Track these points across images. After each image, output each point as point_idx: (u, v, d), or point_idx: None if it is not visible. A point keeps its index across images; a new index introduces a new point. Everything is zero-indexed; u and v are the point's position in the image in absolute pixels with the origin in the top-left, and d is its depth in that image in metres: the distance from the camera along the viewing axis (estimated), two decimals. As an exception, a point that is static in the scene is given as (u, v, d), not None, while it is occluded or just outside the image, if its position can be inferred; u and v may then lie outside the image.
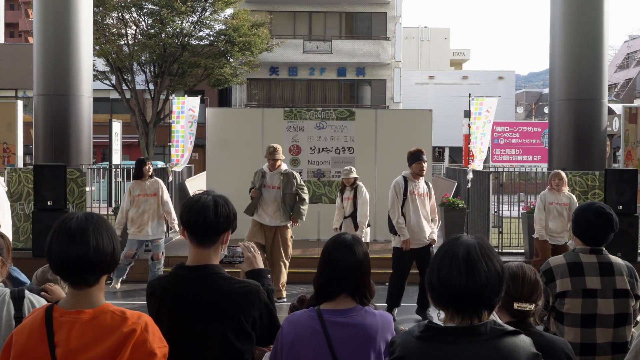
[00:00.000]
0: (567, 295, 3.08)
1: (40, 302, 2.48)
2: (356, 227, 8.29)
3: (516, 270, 2.49)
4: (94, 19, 12.31)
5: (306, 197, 8.05)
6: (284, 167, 8.02)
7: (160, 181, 8.41)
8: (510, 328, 1.82)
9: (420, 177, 7.10)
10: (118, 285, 8.49)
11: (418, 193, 7.05)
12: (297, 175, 8.12)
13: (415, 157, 7.03)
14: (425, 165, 7.07)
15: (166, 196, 8.34)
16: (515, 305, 2.40)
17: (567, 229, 7.86)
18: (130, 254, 8.25)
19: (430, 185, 7.39)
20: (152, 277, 8.19)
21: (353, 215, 8.36)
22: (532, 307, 2.43)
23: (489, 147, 16.09)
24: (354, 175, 8.47)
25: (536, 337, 2.34)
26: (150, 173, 8.24)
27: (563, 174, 8.04)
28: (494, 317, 1.88)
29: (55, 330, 1.87)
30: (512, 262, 2.55)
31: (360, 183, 8.53)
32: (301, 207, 7.97)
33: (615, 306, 3.06)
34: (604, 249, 3.17)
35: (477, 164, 12.02)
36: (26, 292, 2.49)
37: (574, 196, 8.09)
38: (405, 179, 7.09)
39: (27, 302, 2.45)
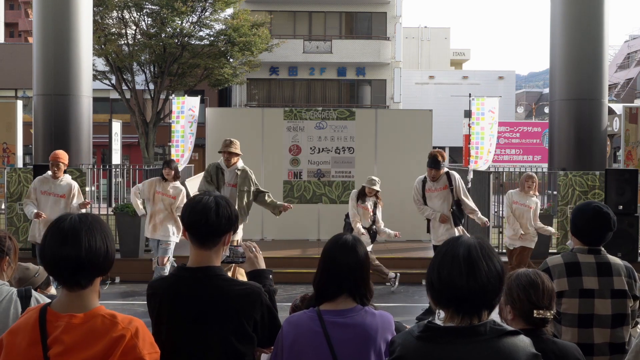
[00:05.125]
0: (565, 295, 3.07)
1: (45, 302, 2.51)
2: (373, 239, 8.25)
3: (534, 279, 2.45)
4: (94, 19, 12.32)
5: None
6: (241, 163, 7.44)
7: (179, 185, 8.09)
8: (510, 328, 1.83)
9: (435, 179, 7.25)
10: None
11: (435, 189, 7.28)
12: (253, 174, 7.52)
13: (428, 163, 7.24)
14: (434, 172, 7.18)
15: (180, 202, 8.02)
16: (536, 313, 2.38)
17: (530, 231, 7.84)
18: (162, 261, 7.85)
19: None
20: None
21: (370, 228, 8.25)
22: (551, 314, 2.41)
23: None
24: (378, 188, 8.21)
25: (549, 343, 2.34)
26: (171, 176, 7.88)
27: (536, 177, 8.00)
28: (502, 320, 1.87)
29: (48, 332, 1.87)
30: (527, 270, 2.52)
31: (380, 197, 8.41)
32: (272, 199, 7.42)
33: (613, 306, 3.05)
34: (602, 249, 3.16)
35: (483, 165, 12.02)
36: (33, 291, 2.54)
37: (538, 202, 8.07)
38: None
39: (33, 301, 2.49)
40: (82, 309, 1.91)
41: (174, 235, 8.08)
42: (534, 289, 2.42)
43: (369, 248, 8.30)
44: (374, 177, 8.34)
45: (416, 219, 11.42)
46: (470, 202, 7.37)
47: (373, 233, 8.28)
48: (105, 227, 2.00)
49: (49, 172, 7.68)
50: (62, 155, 7.66)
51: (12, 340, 1.91)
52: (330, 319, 2.35)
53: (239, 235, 7.10)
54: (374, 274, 8.51)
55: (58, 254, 1.90)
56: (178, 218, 7.98)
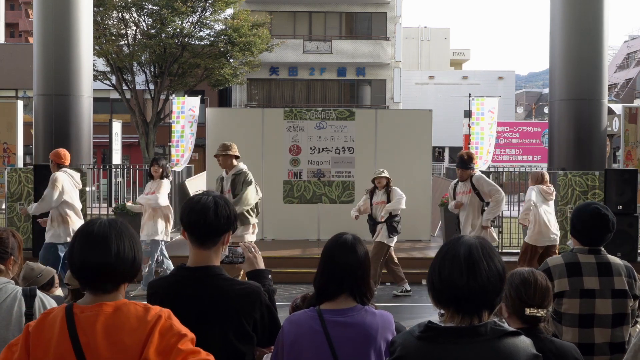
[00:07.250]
0: (565, 295, 3.08)
1: (50, 302, 2.52)
2: (390, 233, 8.11)
3: (527, 276, 2.47)
4: (94, 19, 12.33)
5: (249, 196, 6.80)
6: (242, 166, 7.04)
7: (163, 181, 7.98)
8: (511, 329, 1.83)
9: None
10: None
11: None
12: (250, 174, 7.00)
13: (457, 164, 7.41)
14: (459, 172, 7.33)
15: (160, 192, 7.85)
16: (527, 311, 2.39)
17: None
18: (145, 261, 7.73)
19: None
20: (144, 281, 7.91)
21: (387, 221, 8.15)
22: (544, 312, 2.42)
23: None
24: (386, 174, 8.26)
25: (547, 343, 2.35)
26: (158, 174, 7.88)
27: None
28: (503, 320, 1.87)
29: (77, 326, 1.85)
30: (523, 268, 2.54)
31: (394, 186, 8.33)
32: (243, 197, 6.80)
33: (613, 306, 3.05)
34: (602, 249, 3.17)
35: (482, 165, 12.01)
36: (37, 291, 2.53)
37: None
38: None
39: (37, 300, 2.48)
40: (110, 300, 1.91)
41: (161, 233, 7.89)
42: (525, 287, 2.44)
43: (393, 242, 8.29)
44: (378, 169, 8.51)
45: (416, 218, 11.44)
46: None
47: (390, 225, 8.13)
48: (133, 233, 1.99)
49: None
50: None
51: (39, 336, 1.88)
52: (330, 318, 2.35)
53: (251, 238, 6.90)
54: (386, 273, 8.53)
55: (87, 258, 1.89)
56: (164, 210, 7.85)
